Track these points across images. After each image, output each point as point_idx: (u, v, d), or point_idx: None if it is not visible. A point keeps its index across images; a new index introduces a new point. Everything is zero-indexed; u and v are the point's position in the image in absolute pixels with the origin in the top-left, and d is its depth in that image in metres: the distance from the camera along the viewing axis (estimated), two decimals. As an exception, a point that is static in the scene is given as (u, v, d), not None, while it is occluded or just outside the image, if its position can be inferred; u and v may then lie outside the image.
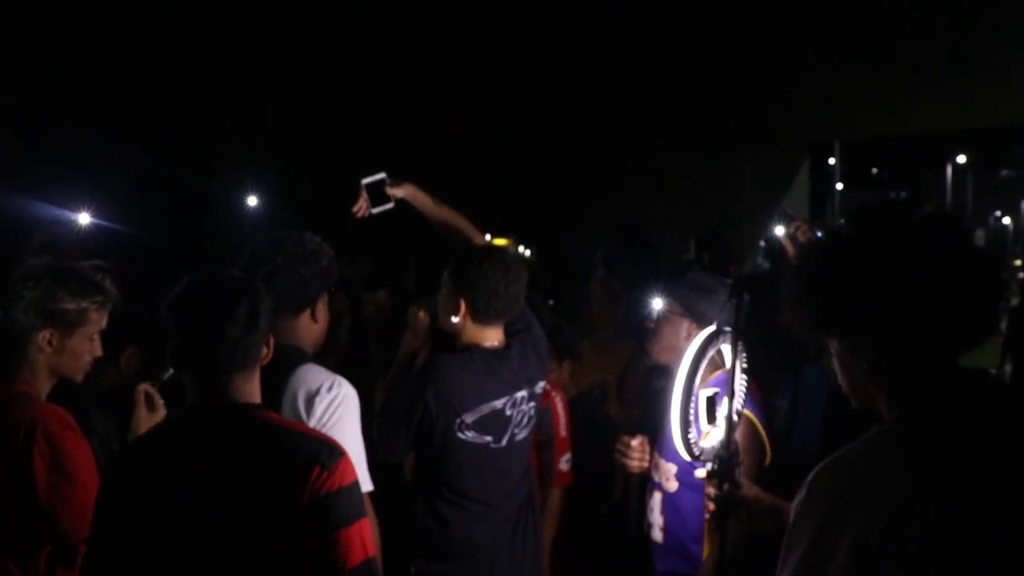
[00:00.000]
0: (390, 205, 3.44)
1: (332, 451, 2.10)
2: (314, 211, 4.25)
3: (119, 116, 6.99)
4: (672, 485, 3.03)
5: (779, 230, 3.13)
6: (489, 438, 3.07)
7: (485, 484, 3.08)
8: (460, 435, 3.02)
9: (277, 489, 2.02)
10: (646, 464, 3.12)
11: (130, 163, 6.55)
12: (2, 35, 5.90)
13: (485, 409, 3.03)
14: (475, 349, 3.07)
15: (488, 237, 15.24)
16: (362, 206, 3.50)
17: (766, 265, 3.41)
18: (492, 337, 3.11)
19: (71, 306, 2.54)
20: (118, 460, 2.20)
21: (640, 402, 3.91)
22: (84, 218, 4.38)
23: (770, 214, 11.96)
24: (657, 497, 3.07)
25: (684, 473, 2.97)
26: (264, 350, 2.22)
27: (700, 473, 2.94)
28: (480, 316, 3.07)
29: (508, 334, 3.20)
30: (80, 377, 2.67)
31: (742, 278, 2.57)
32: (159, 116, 7.46)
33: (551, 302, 6.96)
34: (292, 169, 8.52)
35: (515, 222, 16.00)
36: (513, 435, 3.12)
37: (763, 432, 2.92)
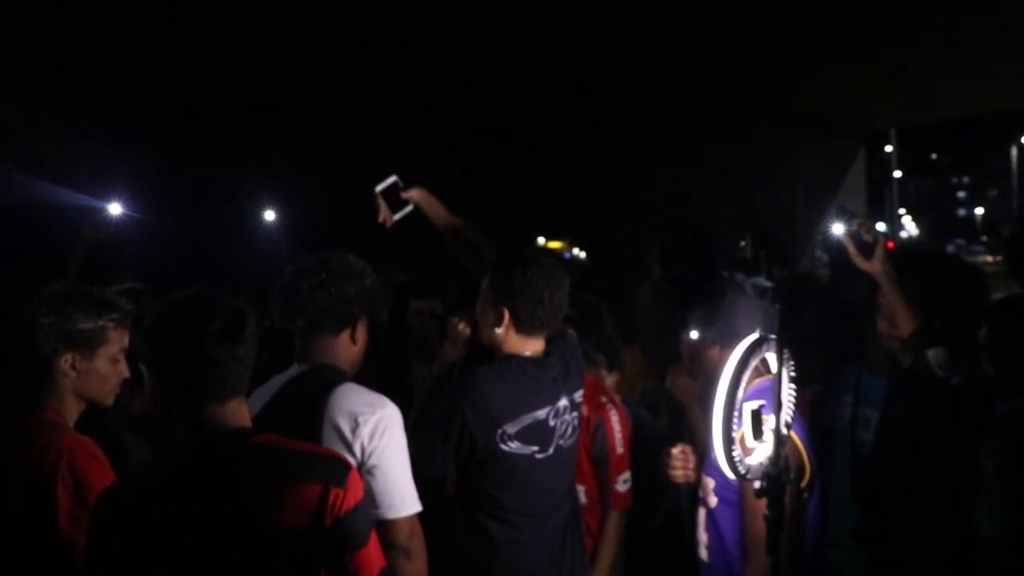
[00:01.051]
0: (409, 208, 3.31)
1: (341, 467, 1.98)
2: (344, 222, 4.14)
3: (137, 122, 7.03)
4: (712, 500, 2.83)
5: (838, 228, 2.88)
6: (535, 448, 2.93)
7: (532, 497, 2.93)
8: (504, 446, 2.87)
9: (292, 516, 1.89)
10: (691, 475, 2.94)
11: (147, 173, 6.57)
12: (26, 39, 5.94)
13: (527, 419, 2.89)
14: (514, 359, 2.94)
15: (541, 240, 15.12)
16: (385, 215, 3.37)
17: (824, 258, 3.17)
18: (534, 347, 2.97)
19: (88, 326, 2.47)
20: (107, 506, 1.98)
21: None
22: (116, 208, 4.35)
23: (825, 205, 11.72)
24: (702, 513, 2.89)
25: (722, 488, 2.77)
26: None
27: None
28: (524, 326, 2.92)
29: (547, 341, 3.04)
30: (109, 400, 2.58)
31: (784, 282, 2.34)
32: (174, 122, 7.48)
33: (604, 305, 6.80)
34: (320, 179, 8.50)
35: (566, 223, 15.95)
36: (559, 446, 2.98)
37: (803, 450, 2.70)
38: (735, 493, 2.72)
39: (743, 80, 8.75)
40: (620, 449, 3.57)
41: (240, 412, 2.02)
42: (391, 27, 7.07)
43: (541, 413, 2.92)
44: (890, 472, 3.03)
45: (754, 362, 2.41)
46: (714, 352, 2.80)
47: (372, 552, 1.99)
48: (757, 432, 2.32)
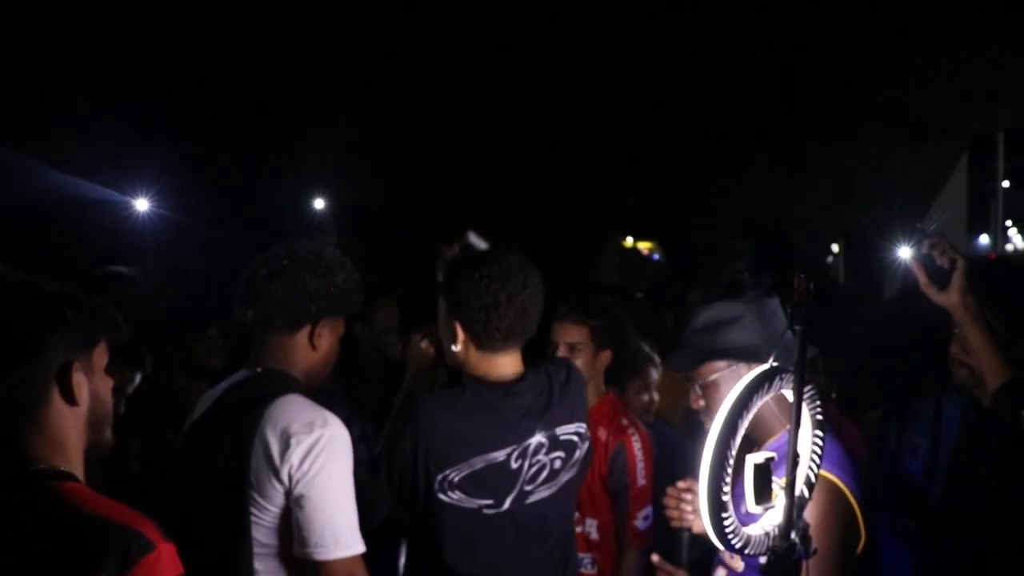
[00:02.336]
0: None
1: (131, 548, 1.57)
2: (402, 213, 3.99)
3: (179, 106, 7.04)
4: (738, 564, 2.31)
5: (904, 251, 2.34)
6: (483, 501, 2.38)
7: (482, 562, 2.38)
8: (442, 496, 2.35)
9: None
10: (690, 520, 2.40)
11: (192, 157, 6.55)
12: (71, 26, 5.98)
13: (477, 463, 2.36)
14: (472, 385, 2.45)
15: (631, 240, 14.95)
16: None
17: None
18: (502, 367, 2.45)
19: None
20: None
21: None
22: (143, 204, 4.29)
23: (922, 214, 11.18)
24: (721, 574, 2.37)
25: None
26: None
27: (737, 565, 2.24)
28: (481, 341, 2.42)
29: (529, 363, 2.52)
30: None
31: (807, 295, 1.72)
32: (222, 108, 7.48)
33: (671, 315, 6.53)
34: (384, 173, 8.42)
35: (656, 224, 15.67)
36: (523, 494, 2.39)
37: (854, 502, 2.13)
38: None
39: (838, 82, 8.37)
40: (642, 480, 3.17)
41: (49, 449, 1.69)
42: (469, 22, 6.94)
43: (499, 455, 2.38)
44: (953, 523, 2.65)
45: (761, 399, 1.79)
46: (726, 384, 2.24)
47: None
48: (762, 494, 1.78)
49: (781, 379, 1.81)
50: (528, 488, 2.43)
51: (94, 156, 5.29)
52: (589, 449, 2.59)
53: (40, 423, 1.67)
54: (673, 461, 3.17)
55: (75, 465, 1.72)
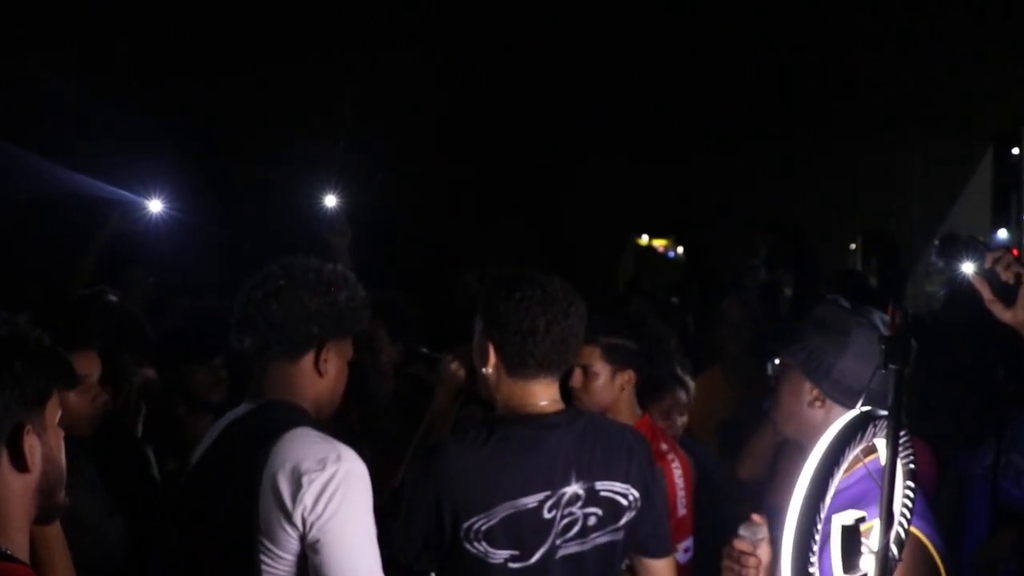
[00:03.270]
0: None
1: None
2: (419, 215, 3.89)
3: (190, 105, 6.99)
4: None
5: (968, 267, 2.06)
6: (508, 553, 2.15)
7: None
8: (468, 546, 2.14)
9: None
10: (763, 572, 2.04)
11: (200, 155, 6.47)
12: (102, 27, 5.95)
13: (507, 508, 2.14)
14: (501, 421, 2.24)
15: (646, 237, 14.80)
16: None
17: (939, 265, 2.57)
18: (539, 396, 2.24)
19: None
20: None
21: (767, 468, 3.03)
22: (156, 205, 4.18)
23: (945, 210, 10.95)
24: None
25: None
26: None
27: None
28: (515, 367, 2.21)
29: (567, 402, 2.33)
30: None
31: (906, 327, 1.52)
32: (222, 111, 7.44)
33: (690, 319, 6.38)
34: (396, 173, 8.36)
35: (672, 222, 15.56)
36: (553, 549, 2.17)
37: (938, 558, 1.93)
38: None
39: (858, 76, 8.24)
40: (682, 510, 2.94)
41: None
42: (487, 19, 6.86)
43: (530, 501, 2.16)
44: None
45: (856, 449, 1.59)
46: (818, 413, 2.09)
47: None
48: (850, 561, 1.55)
49: (875, 426, 1.61)
50: (559, 543, 2.21)
51: (107, 155, 5.23)
52: (646, 518, 2.32)
53: None
54: (706, 486, 3.00)
55: (16, 541, 1.51)
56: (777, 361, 2.24)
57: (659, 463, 2.68)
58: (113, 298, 3.73)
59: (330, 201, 3.69)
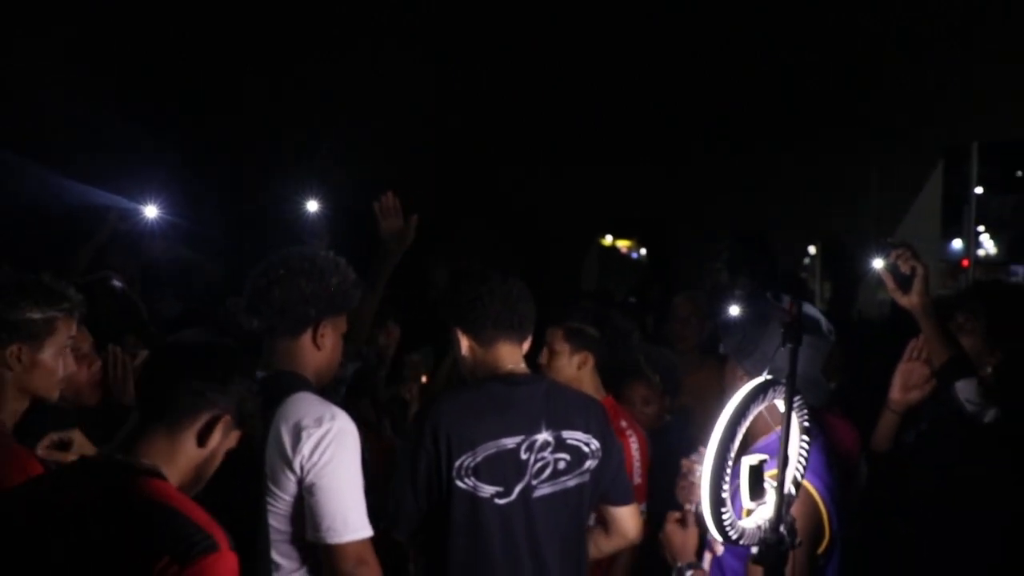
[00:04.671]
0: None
1: (198, 543, 1.73)
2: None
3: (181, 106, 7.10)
4: (718, 548, 2.54)
5: (877, 262, 2.68)
6: (494, 489, 2.53)
7: (491, 557, 2.53)
8: (459, 483, 2.50)
9: (119, 571, 1.73)
10: (692, 498, 2.56)
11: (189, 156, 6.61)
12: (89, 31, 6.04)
13: (491, 448, 2.53)
14: (481, 381, 2.65)
15: (609, 238, 15.00)
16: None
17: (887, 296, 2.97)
18: (506, 359, 2.64)
19: (37, 316, 2.30)
20: None
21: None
22: (152, 211, 4.36)
23: (898, 220, 11.31)
24: (707, 558, 2.59)
25: None
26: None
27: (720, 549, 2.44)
28: (477, 335, 2.64)
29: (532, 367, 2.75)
30: (55, 394, 2.42)
31: (798, 316, 2.04)
32: (208, 113, 7.55)
33: (651, 318, 6.66)
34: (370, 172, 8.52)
35: (635, 223, 15.82)
36: (529, 487, 2.55)
37: (823, 508, 2.37)
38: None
39: (820, 87, 8.56)
40: (637, 479, 3.31)
41: (161, 446, 1.91)
42: (457, 22, 7.03)
43: (509, 442, 2.54)
44: (919, 492, 2.93)
45: (757, 408, 2.02)
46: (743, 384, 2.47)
47: None
48: (756, 491, 1.99)
49: (774, 390, 2.03)
50: (534, 483, 2.59)
51: (101, 163, 5.38)
52: (606, 465, 2.70)
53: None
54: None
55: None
56: (721, 346, 2.63)
57: (619, 438, 3.08)
58: (117, 283, 3.91)
59: (311, 207, 3.96)
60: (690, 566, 2.52)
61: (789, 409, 1.96)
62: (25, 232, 4.95)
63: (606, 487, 2.74)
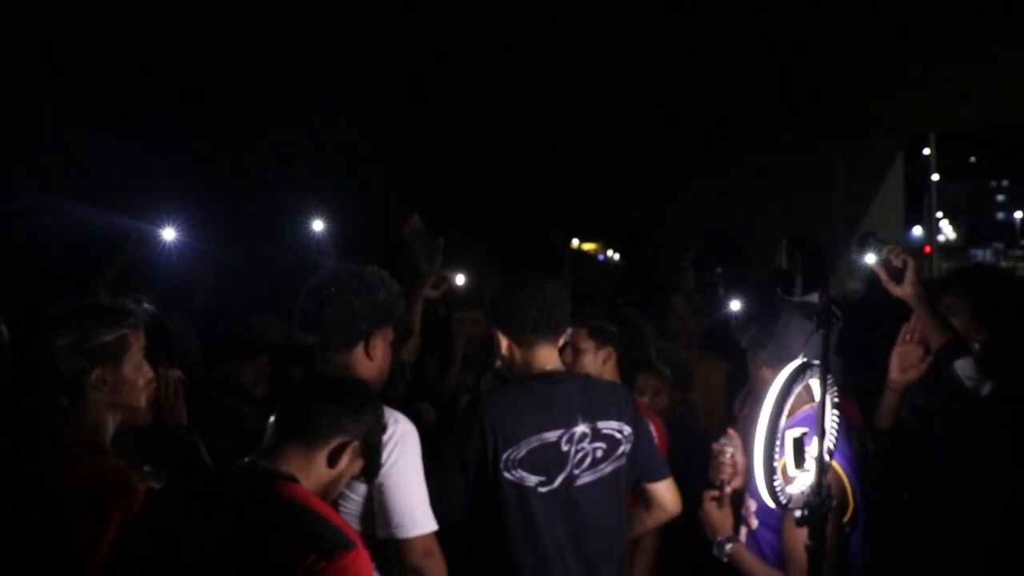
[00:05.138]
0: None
1: (339, 542, 1.95)
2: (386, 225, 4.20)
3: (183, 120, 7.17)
4: (753, 522, 2.81)
5: (870, 257, 2.91)
6: (538, 478, 2.72)
7: (537, 537, 2.71)
8: (507, 474, 2.68)
9: (266, 570, 1.92)
10: (738, 481, 2.90)
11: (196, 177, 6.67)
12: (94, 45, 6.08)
13: (535, 442, 2.72)
14: (521, 380, 2.84)
15: (576, 242, 15.03)
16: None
17: (859, 284, 3.20)
18: (543, 359, 2.84)
19: (110, 337, 2.41)
20: (142, 516, 2.14)
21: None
22: (169, 234, 4.45)
23: (864, 208, 11.53)
24: (743, 532, 2.86)
25: (763, 511, 2.74)
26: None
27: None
28: (515, 336, 2.83)
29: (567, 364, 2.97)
30: (142, 403, 2.53)
31: (828, 307, 2.35)
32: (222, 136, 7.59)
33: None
34: (370, 189, 8.59)
35: (602, 226, 15.96)
36: (572, 476, 2.75)
37: (847, 482, 2.66)
38: (777, 519, 2.68)
39: (783, 84, 8.76)
40: None
41: (297, 459, 2.13)
42: (428, 27, 7.10)
43: (551, 435, 2.73)
44: (919, 467, 3.13)
45: (797, 388, 2.34)
46: (766, 374, 2.74)
47: None
48: (799, 460, 2.31)
49: (810, 371, 2.37)
50: (576, 472, 2.78)
51: (114, 187, 5.45)
52: (639, 447, 2.90)
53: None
54: (692, 452, 3.63)
55: None
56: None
57: None
58: (148, 306, 3.98)
59: (317, 226, 4.09)
60: (729, 539, 2.80)
61: (824, 388, 2.26)
62: (40, 258, 4.99)
63: (641, 466, 2.93)
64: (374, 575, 2.28)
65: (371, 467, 2.30)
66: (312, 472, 2.14)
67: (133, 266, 4.45)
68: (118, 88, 6.43)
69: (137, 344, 2.47)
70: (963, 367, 2.97)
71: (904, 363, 3.24)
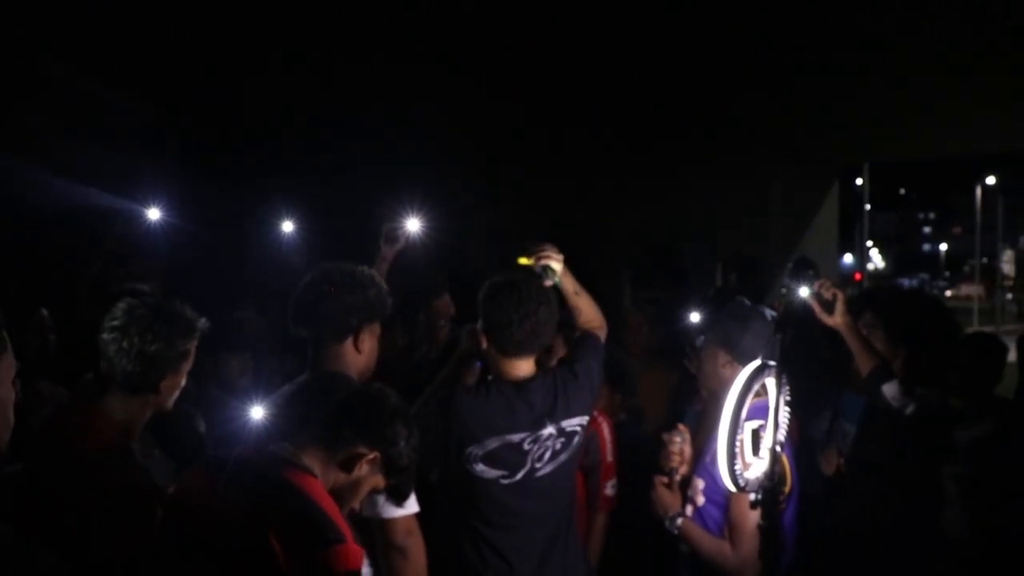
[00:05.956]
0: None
1: (331, 534, 2.07)
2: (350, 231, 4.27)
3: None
4: (700, 499, 3.10)
5: (803, 291, 3.12)
6: (500, 472, 2.94)
7: (502, 517, 2.97)
8: (468, 467, 2.93)
9: (274, 550, 2.03)
10: (684, 468, 3.16)
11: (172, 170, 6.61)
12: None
13: (495, 442, 2.93)
14: (495, 382, 3.03)
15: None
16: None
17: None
18: (519, 369, 3.01)
19: (186, 347, 2.54)
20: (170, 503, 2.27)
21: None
22: (154, 214, 4.43)
23: (800, 235, 11.80)
24: (688, 510, 3.14)
25: (710, 490, 3.03)
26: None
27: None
28: (499, 350, 3.00)
29: (540, 366, 3.10)
30: (171, 407, 2.64)
31: (785, 312, 2.75)
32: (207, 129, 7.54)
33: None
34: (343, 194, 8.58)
35: (543, 240, 16.07)
36: (533, 470, 2.98)
37: (787, 465, 2.97)
38: (722, 496, 2.96)
39: (726, 111, 8.98)
40: (609, 457, 3.85)
41: (306, 450, 2.24)
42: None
43: (515, 438, 2.92)
44: (859, 486, 3.31)
45: (756, 385, 2.65)
46: (726, 372, 3.01)
47: None
48: (755, 448, 2.61)
49: (768, 370, 2.71)
50: (537, 466, 2.98)
51: (106, 166, 5.34)
52: (585, 433, 3.15)
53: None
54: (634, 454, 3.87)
55: None
56: (701, 339, 3.19)
57: (593, 426, 3.62)
58: (145, 289, 4.03)
59: (287, 227, 4.18)
60: (678, 515, 3.09)
61: (779, 386, 2.56)
62: (28, 234, 4.90)
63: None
64: (364, 564, 2.35)
65: (398, 489, 2.37)
66: (329, 472, 2.25)
67: (125, 249, 4.46)
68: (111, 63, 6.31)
69: (193, 354, 2.59)
70: (889, 390, 3.18)
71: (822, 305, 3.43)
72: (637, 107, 8.83)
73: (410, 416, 2.37)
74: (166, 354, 2.48)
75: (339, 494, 2.26)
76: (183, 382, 2.58)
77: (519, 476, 2.95)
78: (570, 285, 3.19)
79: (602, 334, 3.27)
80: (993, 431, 3.45)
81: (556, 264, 3.13)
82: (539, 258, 3.12)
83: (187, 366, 2.56)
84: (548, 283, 3.10)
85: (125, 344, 2.43)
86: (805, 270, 3.25)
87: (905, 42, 6.73)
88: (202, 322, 2.60)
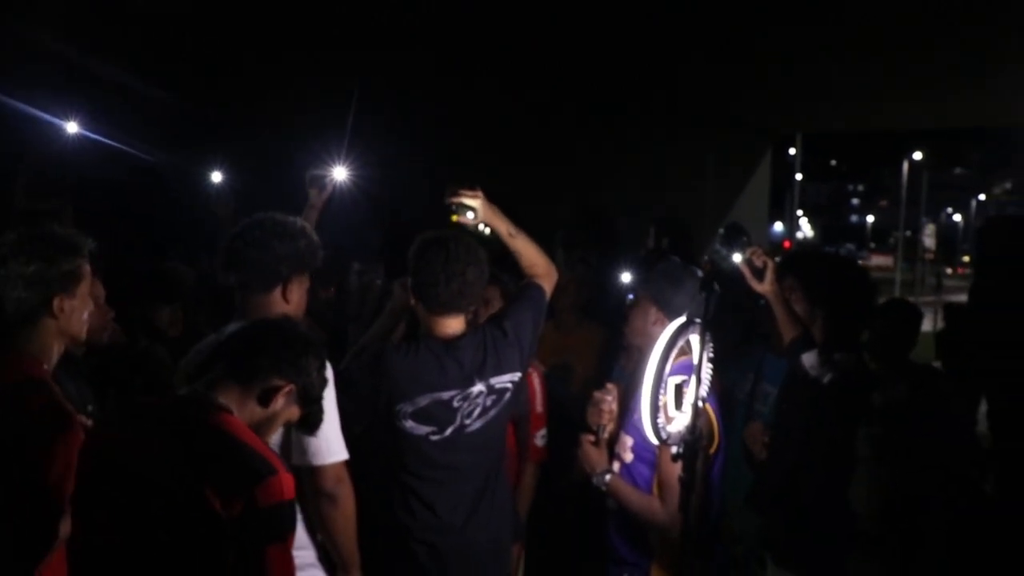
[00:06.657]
0: (470, 218, 3.12)
1: (263, 467, 2.12)
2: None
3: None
4: (628, 456, 3.16)
5: (736, 257, 3.13)
6: (429, 429, 2.95)
7: (431, 471, 2.98)
8: (397, 423, 2.94)
9: (208, 499, 2.05)
10: (610, 423, 3.21)
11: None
12: None
13: (425, 399, 2.93)
14: (425, 339, 3.01)
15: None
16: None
17: (723, 252, 3.49)
18: (448, 327, 3.00)
19: (69, 266, 2.45)
20: (91, 444, 2.24)
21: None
22: (72, 127, 4.27)
23: (733, 201, 11.97)
24: (616, 466, 3.20)
25: (639, 447, 3.09)
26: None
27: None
28: (429, 307, 2.99)
29: (471, 324, 3.10)
30: (84, 335, 2.55)
31: (712, 273, 2.77)
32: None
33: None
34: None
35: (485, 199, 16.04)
36: (462, 426, 2.99)
37: (715, 421, 3.07)
38: (652, 453, 3.04)
39: (664, 77, 9.02)
40: (539, 408, 3.89)
41: (231, 392, 2.25)
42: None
43: (443, 395, 2.93)
44: (780, 453, 3.40)
45: (681, 341, 2.74)
46: (655, 329, 3.06)
47: (280, 557, 2.09)
48: (678, 403, 2.71)
49: (693, 327, 2.80)
50: (467, 422, 3.00)
51: (27, 75, 5.09)
52: (517, 389, 3.16)
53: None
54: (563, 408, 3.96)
55: None
56: (631, 296, 3.27)
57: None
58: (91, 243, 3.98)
59: (216, 177, 4.14)
60: (606, 472, 3.14)
61: (703, 342, 2.64)
62: None
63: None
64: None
65: (310, 419, 2.40)
66: (246, 408, 2.28)
67: (45, 167, 4.32)
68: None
69: (87, 275, 2.52)
70: (808, 359, 3.27)
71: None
72: (576, 77, 8.84)
73: (319, 347, 2.38)
74: (47, 273, 2.40)
75: (257, 428, 2.29)
76: (85, 307, 2.51)
77: (448, 432, 2.97)
78: (502, 227, 3.15)
79: (547, 282, 3.24)
80: (908, 395, 3.60)
81: (472, 201, 3.07)
82: (452, 196, 3.09)
83: (81, 288, 2.47)
84: (466, 220, 3.07)
85: (5, 272, 2.38)
86: (739, 236, 3.27)
87: (839, 16, 6.83)
88: (89, 242, 2.51)
